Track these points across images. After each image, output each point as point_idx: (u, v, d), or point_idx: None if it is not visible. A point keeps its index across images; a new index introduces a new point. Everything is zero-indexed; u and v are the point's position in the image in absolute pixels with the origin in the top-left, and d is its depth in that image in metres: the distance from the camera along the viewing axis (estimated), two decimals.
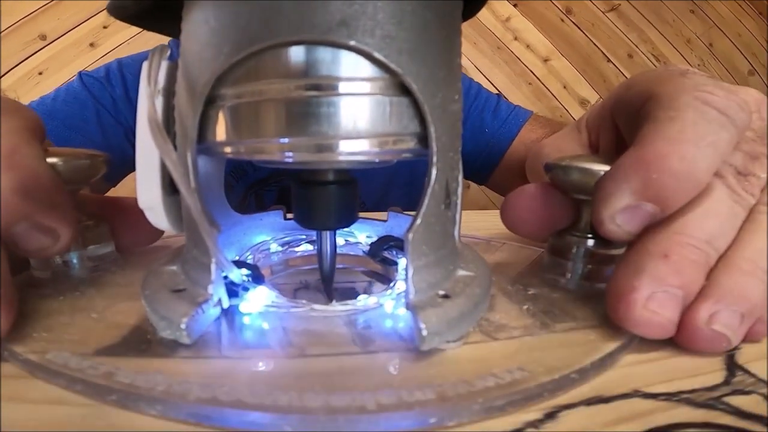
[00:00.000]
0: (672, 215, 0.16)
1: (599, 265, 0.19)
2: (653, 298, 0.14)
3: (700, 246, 0.15)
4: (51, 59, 1.21)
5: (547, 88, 1.52)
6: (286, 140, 0.14)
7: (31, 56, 1.20)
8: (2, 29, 1.17)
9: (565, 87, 1.53)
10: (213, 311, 0.15)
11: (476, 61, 1.49)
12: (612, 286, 0.15)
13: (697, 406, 0.12)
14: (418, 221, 0.14)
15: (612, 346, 0.15)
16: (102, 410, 0.12)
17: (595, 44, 1.55)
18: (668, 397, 0.13)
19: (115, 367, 0.13)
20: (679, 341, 0.15)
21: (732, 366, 0.14)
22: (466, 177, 0.66)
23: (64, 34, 1.21)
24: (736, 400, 0.13)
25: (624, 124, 0.21)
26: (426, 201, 0.14)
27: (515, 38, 1.51)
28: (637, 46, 1.58)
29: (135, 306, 0.17)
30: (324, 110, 0.13)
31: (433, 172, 0.14)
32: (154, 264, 0.18)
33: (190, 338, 0.14)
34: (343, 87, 0.13)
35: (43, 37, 1.21)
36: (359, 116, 0.13)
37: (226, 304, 0.16)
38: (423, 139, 0.14)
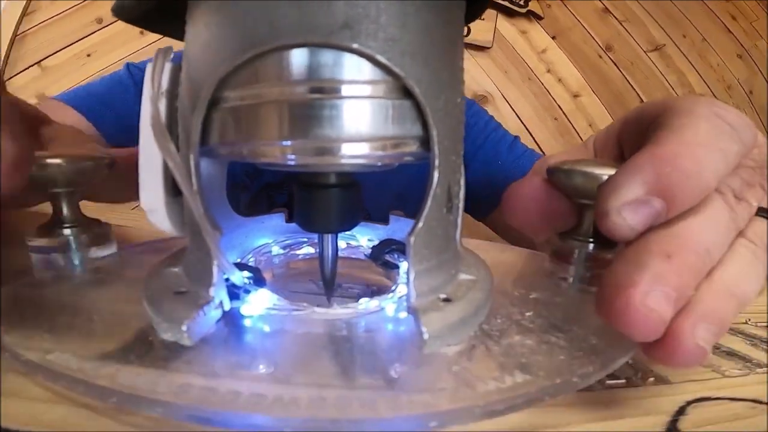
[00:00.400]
0: (675, 220, 0.16)
1: (601, 269, 0.19)
2: (651, 296, 0.14)
3: (701, 253, 0.15)
4: (102, 42, 1.26)
5: (572, 125, 1.51)
6: (288, 143, 0.14)
7: (84, 38, 1.26)
8: (65, 9, 1.25)
9: (590, 125, 1.51)
10: (214, 313, 0.15)
11: (504, 91, 1.48)
12: (608, 281, 0.15)
13: None
14: (420, 224, 0.14)
15: (613, 350, 0.14)
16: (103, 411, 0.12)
17: (630, 84, 1.53)
18: None
19: (117, 369, 0.13)
20: (659, 348, 0.14)
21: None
22: (466, 209, 0.64)
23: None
24: None
25: (630, 143, 0.22)
26: (428, 204, 0.14)
27: (548, 70, 1.51)
28: (673, 89, 1.55)
29: (137, 308, 0.17)
30: (326, 113, 0.13)
31: (435, 175, 0.14)
32: (156, 266, 0.18)
33: (191, 340, 0.14)
34: (345, 90, 0.13)
35: (99, 21, 1.26)
36: (361, 119, 0.13)
37: (227, 306, 0.15)
38: (425, 142, 0.14)
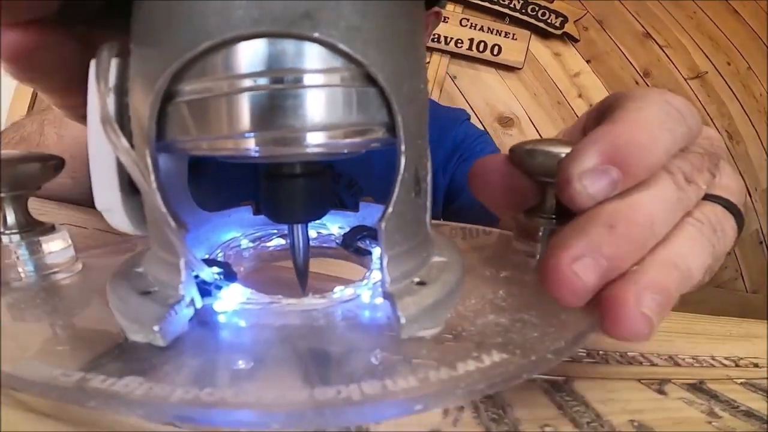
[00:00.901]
0: (624, 194, 0.16)
1: None
2: (580, 262, 0.15)
3: (645, 226, 0.16)
4: None
5: None
6: (251, 135, 0.13)
7: None
8: None
9: None
10: (186, 311, 0.15)
11: (532, 114, 1.45)
12: (550, 245, 0.16)
13: None
14: (390, 210, 0.14)
15: (583, 324, 0.15)
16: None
17: None
18: None
19: (88, 373, 0.12)
20: (605, 319, 0.15)
21: None
22: (480, 224, 0.66)
23: None
24: None
25: (590, 129, 0.22)
26: (396, 189, 0.14)
27: (579, 95, 1.47)
28: (711, 119, 1.51)
29: (101, 311, 0.16)
30: (290, 103, 0.13)
31: (402, 160, 0.14)
32: (118, 267, 0.17)
33: (164, 340, 0.13)
34: (308, 79, 0.13)
35: None
36: (325, 108, 0.13)
37: (199, 303, 0.15)
38: (391, 128, 0.14)
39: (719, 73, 1.50)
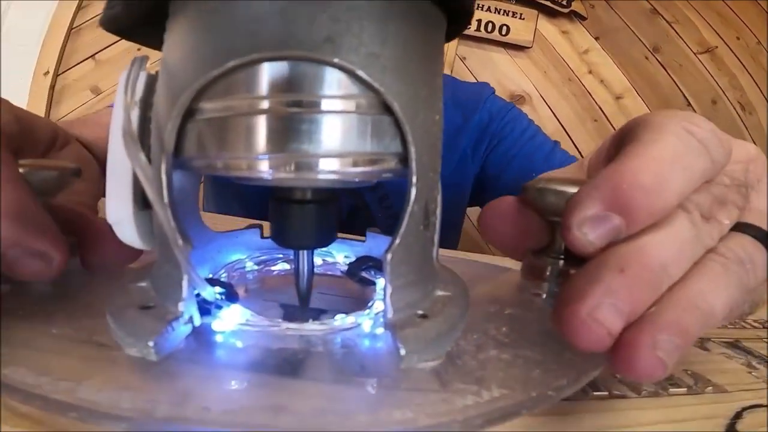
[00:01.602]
0: (634, 236, 0.16)
1: None
2: (599, 308, 0.14)
3: (656, 269, 0.15)
4: None
5: (613, 127, 1.44)
6: (265, 157, 0.14)
7: None
8: None
9: None
10: (183, 329, 0.14)
11: (543, 91, 1.46)
12: (563, 293, 0.15)
13: None
14: (397, 241, 0.14)
15: (587, 363, 0.15)
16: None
17: (677, 86, 1.48)
18: None
19: (77, 384, 0.12)
20: (618, 361, 0.15)
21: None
22: None
23: None
24: None
25: (612, 158, 0.22)
26: (405, 221, 0.14)
27: (590, 71, 1.47)
28: (724, 92, 1.50)
29: (99, 322, 0.16)
30: (305, 127, 0.13)
31: (413, 192, 0.14)
32: (121, 280, 0.17)
33: (157, 356, 0.13)
34: (325, 104, 0.13)
35: None
36: (340, 134, 0.13)
37: (197, 321, 0.15)
38: (404, 159, 0.14)
39: (729, 47, 1.49)
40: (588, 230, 0.16)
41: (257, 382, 0.13)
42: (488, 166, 0.63)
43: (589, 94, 1.47)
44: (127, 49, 1.27)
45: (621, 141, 0.20)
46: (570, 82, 1.46)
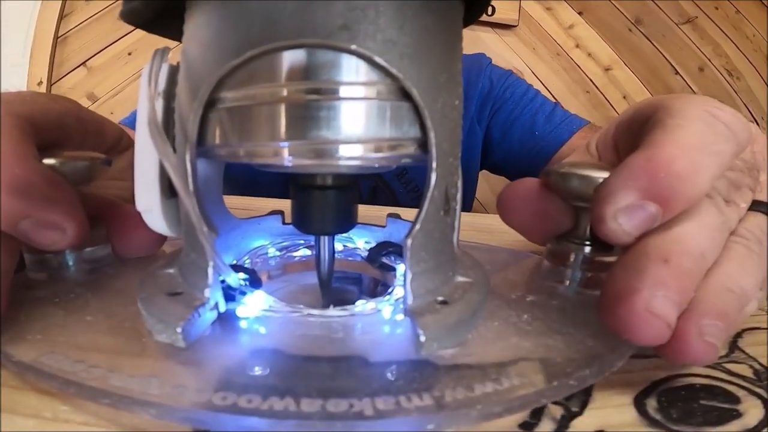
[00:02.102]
0: (669, 225, 0.16)
1: (598, 272, 0.19)
2: (654, 300, 0.14)
3: (697, 257, 0.15)
4: (140, 41, 1.28)
5: (605, 97, 1.49)
6: (285, 144, 0.14)
7: (122, 37, 1.28)
8: (100, 9, 1.27)
9: (625, 97, 1.50)
10: (209, 315, 0.15)
11: (534, 67, 1.48)
12: (609, 289, 0.15)
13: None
14: (417, 227, 0.14)
15: (610, 353, 0.14)
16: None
17: (663, 55, 1.51)
18: None
19: (110, 371, 0.13)
20: (669, 350, 0.15)
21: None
22: (510, 179, 0.67)
23: None
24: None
25: (623, 142, 0.22)
26: (425, 207, 0.14)
27: (577, 46, 1.49)
28: (710, 60, 1.52)
29: (131, 309, 0.16)
30: (324, 114, 0.13)
31: (433, 177, 0.14)
32: (151, 267, 0.18)
33: (185, 342, 0.14)
34: (343, 91, 0.13)
35: None
36: (359, 121, 0.13)
37: (222, 308, 0.15)
38: (423, 144, 0.14)
39: (709, 17, 1.51)
40: (624, 220, 0.16)
41: (279, 368, 0.13)
42: (492, 129, 0.65)
43: (579, 67, 1.50)
44: (116, 54, 1.28)
45: (637, 124, 0.19)
46: (559, 57, 1.49)
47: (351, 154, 0.14)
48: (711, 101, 0.17)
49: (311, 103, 0.13)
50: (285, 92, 0.13)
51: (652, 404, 0.14)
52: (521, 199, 0.21)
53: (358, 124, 0.13)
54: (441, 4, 0.14)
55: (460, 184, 0.17)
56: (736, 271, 0.16)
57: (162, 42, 0.16)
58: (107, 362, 0.13)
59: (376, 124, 0.14)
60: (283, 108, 0.13)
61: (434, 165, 0.14)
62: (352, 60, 0.13)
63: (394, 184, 0.63)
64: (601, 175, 0.17)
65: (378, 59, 0.13)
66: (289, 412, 0.11)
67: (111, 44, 1.28)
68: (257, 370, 0.13)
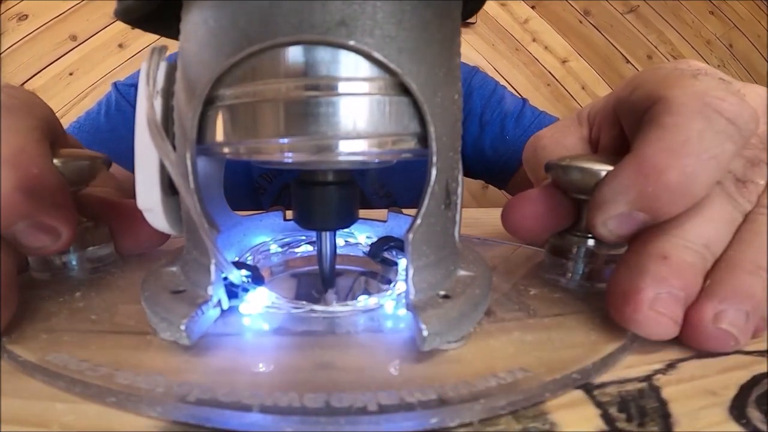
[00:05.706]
0: (670, 220, 0.16)
1: (600, 265, 0.19)
2: (658, 299, 0.14)
3: (698, 249, 0.15)
4: (81, 60, 1.25)
5: (566, 89, 1.54)
6: (285, 140, 0.14)
7: (62, 57, 1.24)
8: (34, 29, 1.22)
9: (584, 88, 1.54)
10: (213, 312, 0.15)
11: (495, 63, 1.51)
12: (614, 288, 0.16)
13: None
14: (418, 221, 0.14)
15: (613, 346, 0.14)
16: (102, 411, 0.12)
17: (614, 45, 1.56)
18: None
19: (115, 369, 0.13)
20: (686, 340, 0.15)
21: None
22: (486, 181, 0.66)
23: (94, 35, 1.26)
24: None
25: (628, 123, 0.21)
26: (426, 201, 0.14)
27: (534, 40, 1.53)
28: (656, 47, 1.59)
29: (135, 308, 0.17)
30: (323, 110, 0.13)
31: (433, 172, 0.14)
32: (153, 265, 0.18)
33: (189, 339, 0.14)
34: (342, 87, 0.13)
35: (73, 38, 1.24)
36: (359, 116, 0.13)
37: (225, 305, 0.15)
38: (423, 139, 0.14)
39: (650, 6, 1.58)
40: (614, 227, 0.16)
41: (283, 365, 0.13)
42: (462, 136, 0.63)
43: (537, 60, 1.54)
44: (58, 74, 1.23)
45: (636, 106, 0.18)
46: (518, 52, 1.52)
47: (351, 150, 0.14)
48: (714, 88, 0.16)
49: (310, 100, 0.13)
50: (284, 89, 0.13)
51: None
52: (528, 216, 0.20)
53: (358, 120, 0.13)
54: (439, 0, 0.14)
55: (460, 177, 0.17)
56: (754, 249, 0.15)
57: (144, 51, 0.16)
58: (112, 361, 0.13)
59: (375, 119, 0.14)
60: (282, 105, 0.13)
61: (434, 159, 0.14)
62: (351, 56, 0.13)
63: (371, 196, 0.61)
64: (603, 168, 0.17)
65: (376, 54, 0.13)
66: (293, 408, 0.11)
67: (50, 64, 1.23)
68: (261, 367, 0.13)
